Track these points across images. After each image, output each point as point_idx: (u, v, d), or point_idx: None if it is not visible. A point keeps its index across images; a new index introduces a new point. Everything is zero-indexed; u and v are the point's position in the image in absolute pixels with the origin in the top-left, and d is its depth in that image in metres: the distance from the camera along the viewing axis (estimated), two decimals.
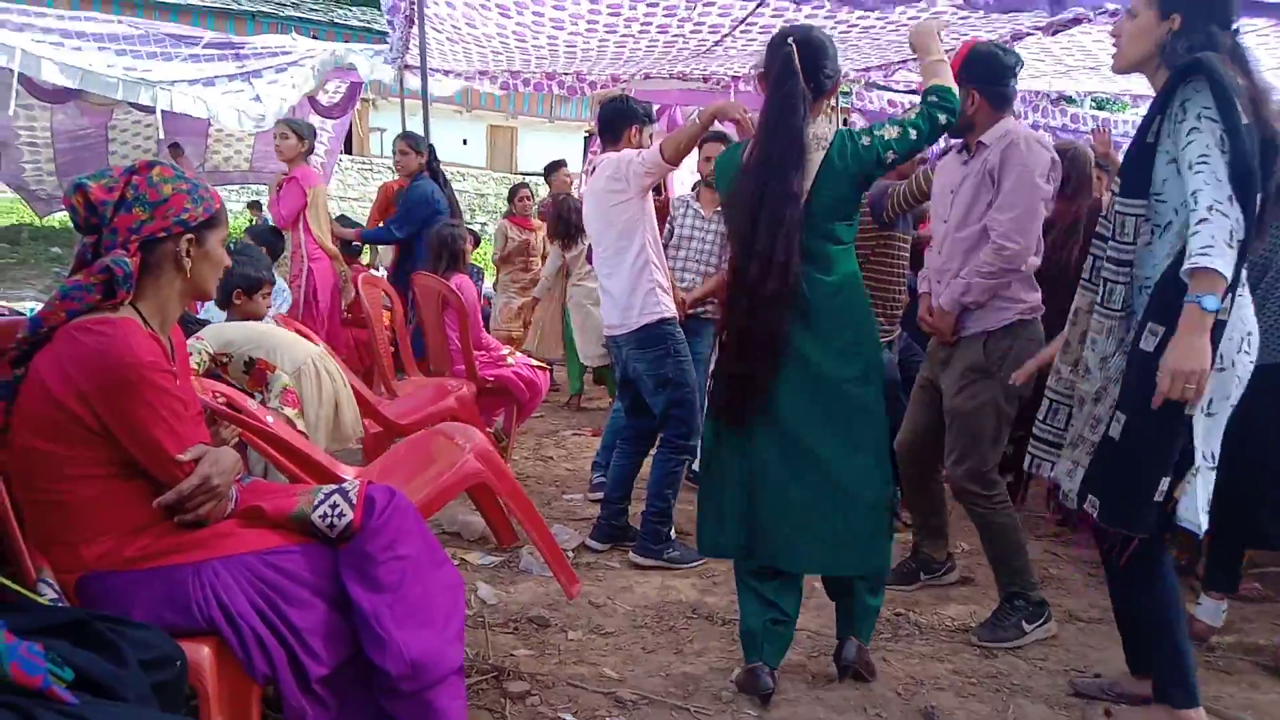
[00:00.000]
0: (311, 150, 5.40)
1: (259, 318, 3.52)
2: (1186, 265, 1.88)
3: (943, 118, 2.25)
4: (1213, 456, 2.07)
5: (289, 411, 3.17)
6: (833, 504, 2.31)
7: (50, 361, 1.60)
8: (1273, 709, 2.47)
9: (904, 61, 6.17)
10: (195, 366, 3.19)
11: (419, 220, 5.20)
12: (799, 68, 2.25)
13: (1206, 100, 1.96)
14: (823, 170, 2.26)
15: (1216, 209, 1.87)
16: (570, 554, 3.41)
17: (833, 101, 2.41)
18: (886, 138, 2.24)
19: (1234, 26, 2.10)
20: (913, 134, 2.24)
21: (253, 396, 3.38)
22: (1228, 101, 1.92)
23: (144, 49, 5.56)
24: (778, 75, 2.27)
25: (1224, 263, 1.84)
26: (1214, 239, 1.85)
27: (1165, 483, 2.03)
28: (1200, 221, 1.88)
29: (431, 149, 5.44)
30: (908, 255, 3.77)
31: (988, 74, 2.76)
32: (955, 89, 2.29)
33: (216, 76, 5.60)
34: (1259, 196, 1.94)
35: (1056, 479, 2.36)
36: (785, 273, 2.21)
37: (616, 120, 3.51)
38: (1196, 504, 2.04)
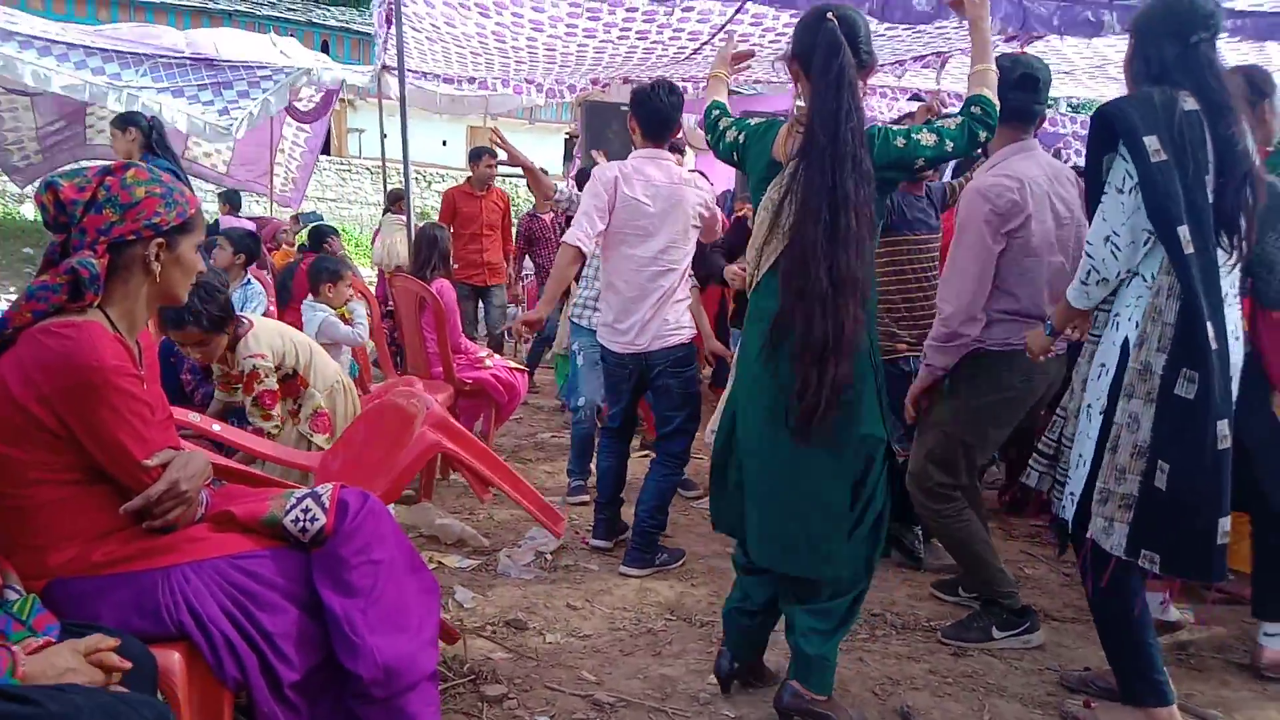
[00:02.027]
0: None
1: None
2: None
3: (982, 134, 2.13)
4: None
5: (319, 439, 3.06)
6: (799, 506, 2.19)
7: (12, 364, 1.57)
8: (1242, 705, 2.50)
9: (882, 64, 6.21)
10: (267, 385, 2.98)
11: None
12: (844, 42, 2.07)
13: (1122, 146, 2.08)
14: None
15: (1086, 248, 2.17)
16: (549, 558, 3.40)
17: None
18: (922, 143, 2.11)
19: (1195, 38, 2.09)
20: (948, 145, 2.11)
21: (283, 401, 3.16)
22: (1134, 149, 2.04)
23: (117, 59, 5.50)
24: (826, 53, 2.07)
25: (1074, 295, 2.23)
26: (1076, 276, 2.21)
27: (1225, 523, 2.05)
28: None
29: (154, 121, 4.65)
30: None
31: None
32: (997, 102, 2.17)
33: (185, 86, 5.52)
34: (1213, 211, 2.07)
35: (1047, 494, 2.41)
36: (862, 259, 2.05)
37: (674, 114, 3.22)
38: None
